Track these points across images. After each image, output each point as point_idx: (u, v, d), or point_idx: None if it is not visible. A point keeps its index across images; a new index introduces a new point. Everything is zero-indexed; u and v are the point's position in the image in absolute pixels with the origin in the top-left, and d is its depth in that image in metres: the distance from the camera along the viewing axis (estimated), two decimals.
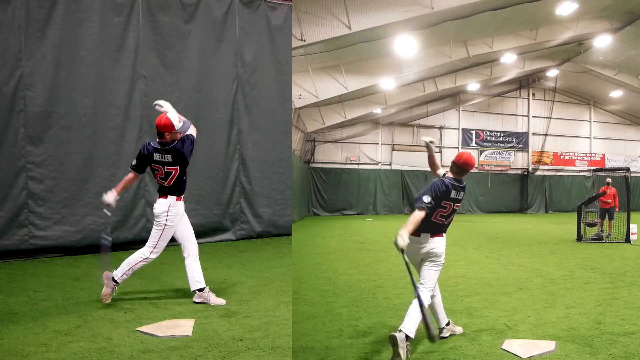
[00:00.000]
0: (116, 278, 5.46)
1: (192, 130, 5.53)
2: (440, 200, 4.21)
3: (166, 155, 5.35)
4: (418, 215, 4.07)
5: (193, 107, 9.81)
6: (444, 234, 4.37)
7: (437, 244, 4.28)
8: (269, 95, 10.82)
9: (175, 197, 5.47)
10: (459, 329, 4.67)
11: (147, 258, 5.50)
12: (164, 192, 5.47)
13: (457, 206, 4.34)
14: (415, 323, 3.98)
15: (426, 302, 4.14)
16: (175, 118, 5.39)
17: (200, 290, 5.57)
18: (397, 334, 3.85)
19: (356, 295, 6.32)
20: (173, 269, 7.26)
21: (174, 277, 6.82)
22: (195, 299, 5.58)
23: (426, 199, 4.13)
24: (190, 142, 5.45)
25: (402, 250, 3.92)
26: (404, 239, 3.90)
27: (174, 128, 5.35)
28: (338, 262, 9.13)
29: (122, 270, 5.49)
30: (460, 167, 4.36)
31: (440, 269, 4.37)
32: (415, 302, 4.09)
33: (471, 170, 4.46)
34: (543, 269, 8.38)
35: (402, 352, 3.79)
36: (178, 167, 5.40)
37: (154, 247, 5.49)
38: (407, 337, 3.89)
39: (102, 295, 5.46)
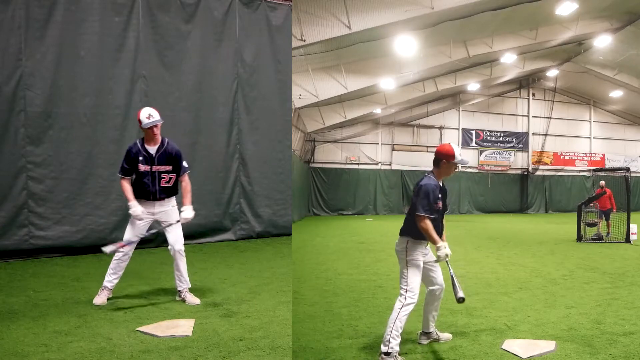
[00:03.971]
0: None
1: None
2: (435, 203, 4.19)
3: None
4: (429, 223, 4.04)
5: (193, 107, 9.83)
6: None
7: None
8: (269, 95, 10.82)
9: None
10: (445, 337, 4.54)
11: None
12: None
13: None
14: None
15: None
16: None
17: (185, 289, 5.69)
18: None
19: (356, 295, 6.32)
20: (173, 269, 7.24)
21: (174, 278, 6.80)
22: (177, 298, 5.66)
23: (428, 207, 4.06)
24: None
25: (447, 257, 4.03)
26: (446, 246, 4.01)
27: None
28: (338, 262, 9.12)
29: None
30: (435, 156, 4.26)
31: None
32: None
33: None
34: (543, 269, 8.37)
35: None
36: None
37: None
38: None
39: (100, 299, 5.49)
